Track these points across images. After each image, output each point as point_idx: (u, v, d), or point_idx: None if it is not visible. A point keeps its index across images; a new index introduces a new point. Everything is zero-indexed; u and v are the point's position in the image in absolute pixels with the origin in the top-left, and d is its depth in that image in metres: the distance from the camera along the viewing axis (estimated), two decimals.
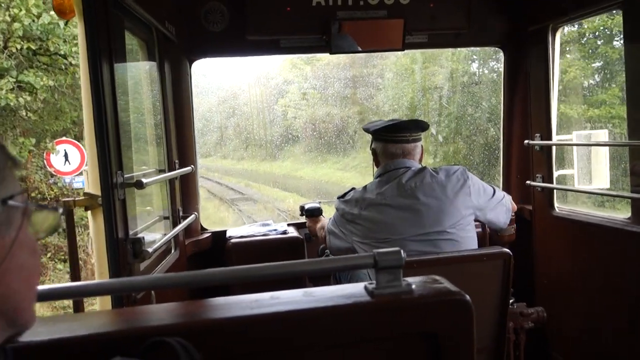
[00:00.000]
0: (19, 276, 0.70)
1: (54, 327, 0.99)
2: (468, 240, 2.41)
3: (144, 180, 2.02)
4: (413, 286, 1.12)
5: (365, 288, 1.13)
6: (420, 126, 2.56)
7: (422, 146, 2.60)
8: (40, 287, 0.87)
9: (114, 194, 1.81)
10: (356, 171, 13.44)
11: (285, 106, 15.54)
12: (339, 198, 2.60)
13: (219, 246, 3.22)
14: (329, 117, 15.15)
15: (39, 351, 0.92)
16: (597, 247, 2.85)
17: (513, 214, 2.77)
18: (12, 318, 0.71)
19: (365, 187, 2.51)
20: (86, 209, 2.24)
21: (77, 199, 2.13)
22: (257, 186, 15.85)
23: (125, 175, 1.95)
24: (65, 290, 1.13)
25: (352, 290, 1.15)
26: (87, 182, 2.36)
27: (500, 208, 2.52)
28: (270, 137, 15.16)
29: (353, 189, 2.59)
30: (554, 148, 3.18)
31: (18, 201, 0.69)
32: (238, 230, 3.23)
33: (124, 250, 1.86)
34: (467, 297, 1.12)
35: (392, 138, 2.52)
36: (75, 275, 2.01)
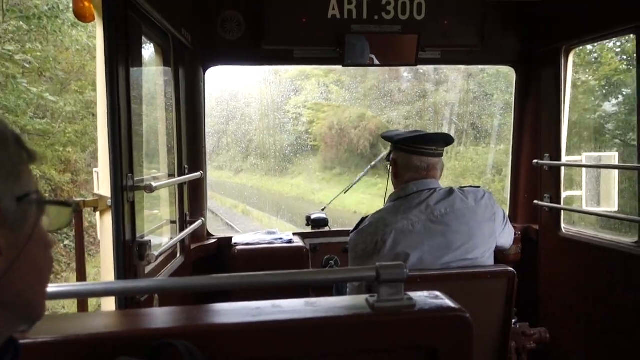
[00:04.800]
0: (33, 271, 0.71)
1: (60, 325, 1.01)
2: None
3: (154, 184, 2.04)
4: (414, 301, 1.13)
5: (367, 300, 1.14)
6: (446, 141, 2.41)
7: (443, 162, 2.46)
8: (49, 287, 0.88)
9: (123, 197, 1.84)
10: None
11: (299, 107, 12.08)
12: (351, 232, 2.37)
13: (224, 252, 3.23)
14: (362, 121, 11.70)
15: (47, 348, 0.94)
16: (603, 270, 2.84)
17: (519, 233, 2.76)
18: (25, 312, 0.72)
19: (382, 211, 2.32)
20: (94, 210, 2.26)
21: (86, 199, 2.15)
22: (258, 216, 11.34)
23: (135, 179, 1.97)
24: (75, 290, 1.15)
25: (353, 302, 1.16)
26: (96, 183, 2.40)
27: (509, 230, 2.49)
28: (278, 146, 11.79)
29: (363, 219, 2.38)
30: (562, 169, 3.18)
31: (33, 198, 0.70)
32: (244, 238, 3.24)
33: (130, 252, 1.88)
34: (467, 313, 1.13)
35: (417, 150, 2.34)
36: (81, 275, 2.03)
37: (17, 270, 0.67)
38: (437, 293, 1.20)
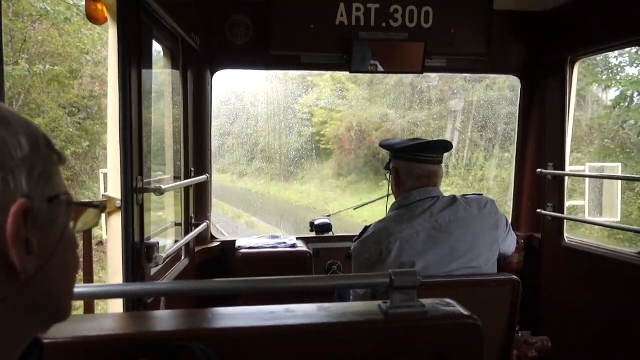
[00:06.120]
0: (62, 272, 0.71)
1: (77, 326, 1.02)
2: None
3: (163, 187, 2.05)
4: (426, 308, 1.14)
5: (380, 307, 1.15)
6: (446, 147, 2.41)
7: (442, 169, 2.45)
8: None
9: (133, 199, 1.85)
10: None
11: (309, 106, 10.84)
12: (354, 241, 2.35)
13: (227, 255, 3.24)
14: (384, 121, 10.58)
15: (67, 349, 0.95)
16: (605, 280, 2.85)
17: (521, 241, 2.77)
18: (51, 312, 0.72)
19: (385, 220, 2.32)
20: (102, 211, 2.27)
21: (95, 201, 2.16)
22: (265, 229, 9.28)
23: (145, 181, 1.99)
24: (91, 291, 1.16)
25: (366, 308, 1.17)
26: (103, 184, 2.42)
27: (511, 237, 2.50)
28: (286, 148, 10.58)
29: (366, 228, 2.36)
30: (566, 178, 3.19)
31: (63, 199, 0.70)
32: (248, 241, 3.25)
33: (139, 254, 1.89)
34: (479, 321, 1.14)
35: (418, 157, 2.34)
36: (88, 276, 2.04)
37: (47, 271, 0.68)
38: (449, 300, 1.21)
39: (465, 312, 1.16)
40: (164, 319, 1.20)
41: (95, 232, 3.32)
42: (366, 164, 10.79)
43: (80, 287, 1.14)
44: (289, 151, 10.72)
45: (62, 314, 0.74)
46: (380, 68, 3.13)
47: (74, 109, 9.38)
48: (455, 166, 10.46)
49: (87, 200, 0.81)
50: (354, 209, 3.95)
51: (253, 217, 10.52)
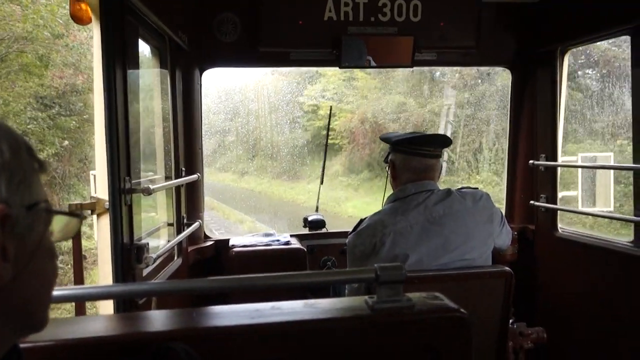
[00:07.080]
0: (39, 280, 0.70)
1: (61, 328, 1.01)
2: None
3: (152, 187, 2.04)
4: (413, 302, 1.14)
5: (366, 302, 1.15)
6: (444, 142, 2.42)
7: (441, 163, 2.45)
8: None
9: (121, 199, 1.84)
10: None
11: (315, 98, 9.93)
12: (349, 234, 2.36)
13: (221, 254, 3.24)
14: (403, 111, 9.68)
15: (49, 352, 0.94)
16: (599, 270, 2.85)
17: (515, 233, 2.77)
18: (28, 321, 0.71)
19: (380, 213, 2.32)
20: (92, 213, 2.26)
21: (83, 202, 2.15)
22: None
23: (133, 181, 1.98)
24: (76, 293, 1.15)
25: (352, 304, 1.17)
26: (93, 186, 2.42)
27: (506, 230, 2.49)
28: (291, 144, 9.69)
29: (361, 221, 2.37)
30: (558, 169, 3.19)
31: (42, 207, 0.70)
32: (241, 240, 3.24)
33: (128, 255, 1.87)
34: (466, 314, 1.14)
35: (415, 151, 2.34)
36: (79, 278, 2.03)
37: (24, 279, 0.67)
38: (436, 294, 1.21)
39: (453, 305, 1.16)
40: (149, 319, 1.19)
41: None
42: (379, 159, 10.05)
43: (66, 289, 1.13)
44: (294, 146, 9.94)
45: (37, 324, 0.73)
46: (371, 62, 3.12)
47: (53, 104, 8.42)
48: (487, 160, 9.98)
49: (66, 209, 0.80)
50: (321, 183, 3.87)
51: (257, 223, 9.81)
